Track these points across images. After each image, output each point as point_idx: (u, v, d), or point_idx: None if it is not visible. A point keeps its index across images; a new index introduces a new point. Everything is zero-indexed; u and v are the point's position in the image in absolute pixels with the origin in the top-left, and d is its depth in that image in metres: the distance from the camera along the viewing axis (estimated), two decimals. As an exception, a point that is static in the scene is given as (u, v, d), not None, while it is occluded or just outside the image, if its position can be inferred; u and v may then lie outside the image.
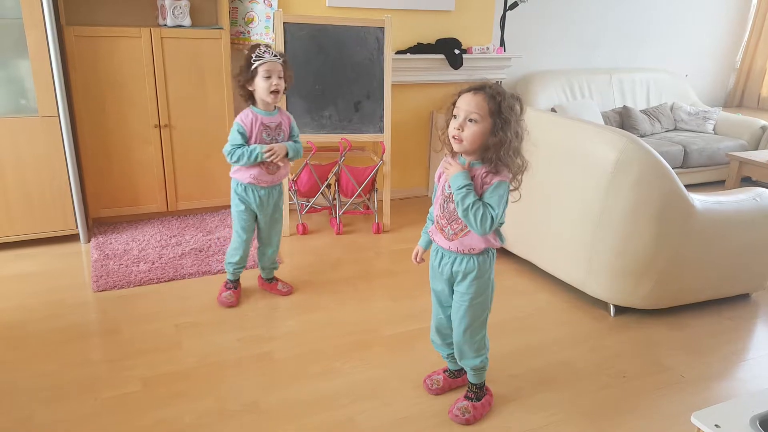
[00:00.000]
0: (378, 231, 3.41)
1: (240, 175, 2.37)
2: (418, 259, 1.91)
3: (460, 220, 1.67)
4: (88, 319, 2.40)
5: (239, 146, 2.29)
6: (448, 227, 1.72)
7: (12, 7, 2.67)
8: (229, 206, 3.51)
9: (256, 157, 2.28)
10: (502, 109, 1.59)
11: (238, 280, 2.56)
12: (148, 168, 3.27)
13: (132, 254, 2.93)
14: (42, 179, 2.90)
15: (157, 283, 2.69)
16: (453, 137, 1.62)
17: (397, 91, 3.62)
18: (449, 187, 1.65)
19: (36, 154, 2.84)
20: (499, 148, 1.59)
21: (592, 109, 4.42)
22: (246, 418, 1.84)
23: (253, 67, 2.22)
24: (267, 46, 2.28)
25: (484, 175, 1.63)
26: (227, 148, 2.31)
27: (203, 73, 3.24)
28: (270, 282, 2.64)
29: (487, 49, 3.93)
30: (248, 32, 3.37)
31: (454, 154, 1.68)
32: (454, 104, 1.64)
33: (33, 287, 2.60)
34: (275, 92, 2.26)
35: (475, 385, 1.90)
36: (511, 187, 1.67)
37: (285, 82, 2.30)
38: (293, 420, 1.84)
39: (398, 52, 3.67)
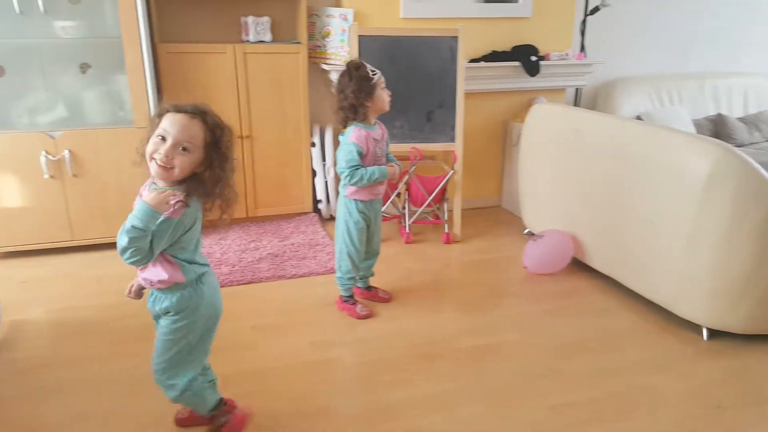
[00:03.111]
0: (448, 241, 3.40)
1: (361, 195, 2.41)
2: (132, 295, 1.65)
3: None
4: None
5: (356, 167, 2.32)
6: None
7: (113, 27, 2.90)
8: (303, 213, 3.71)
9: (377, 179, 2.34)
10: (221, 145, 1.47)
11: (353, 294, 2.61)
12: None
13: (215, 257, 3.08)
14: (136, 186, 3.10)
15: (237, 285, 2.82)
16: (159, 164, 1.40)
17: (470, 100, 3.60)
18: None
19: (132, 162, 3.05)
20: (215, 185, 1.47)
21: (682, 117, 4.17)
22: (317, 421, 1.88)
23: (373, 81, 2.30)
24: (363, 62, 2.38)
25: (176, 207, 1.42)
26: (344, 169, 2.33)
27: (282, 86, 3.37)
28: (369, 290, 2.69)
29: (567, 55, 3.83)
30: (324, 46, 3.47)
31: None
32: (157, 120, 1.44)
33: (121, 288, 2.78)
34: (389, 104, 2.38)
35: (203, 416, 1.76)
36: (224, 218, 1.55)
37: None
38: (363, 427, 1.86)
39: (472, 61, 3.65)
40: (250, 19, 3.28)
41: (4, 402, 1.95)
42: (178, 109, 1.44)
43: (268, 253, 3.14)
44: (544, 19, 3.84)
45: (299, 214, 3.67)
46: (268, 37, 3.34)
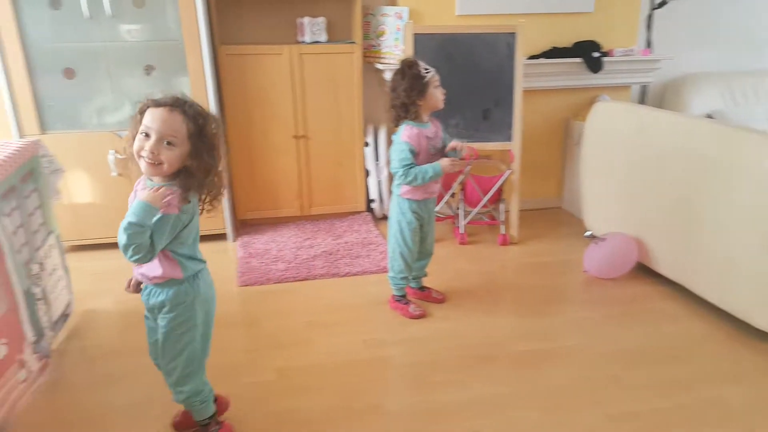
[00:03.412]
0: (504, 243, 3.32)
1: (414, 194, 2.38)
2: (131, 289, 1.67)
3: None
4: (233, 310, 2.61)
5: (410, 166, 2.30)
6: None
7: (175, 30, 3.00)
8: (356, 212, 3.73)
9: (431, 177, 2.31)
10: (204, 133, 1.44)
11: (406, 294, 2.59)
12: (286, 175, 3.49)
13: (271, 254, 3.14)
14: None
15: (292, 281, 2.86)
16: (147, 161, 1.40)
17: (528, 98, 3.51)
18: None
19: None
20: (205, 175, 1.46)
21: (758, 116, 3.91)
22: (369, 418, 1.88)
23: (425, 79, 2.27)
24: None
25: (172, 203, 1.44)
26: (398, 169, 2.31)
27: (337, 86, 3.39)
28: (422, 290, 2.66)
29: (632, 51, 3.68)
30: (379, 45, 3.47)
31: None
32: (139, 116, 1.42)
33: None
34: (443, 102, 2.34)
35: (198, 421, 1.74)
36: (209, 209, 1.58)
37: None
38: (414, 427, 1.84)
39: (531, 57, 3.56)
40: (306, 19, 3.32)
41: (74, 387, 2.05)
42: (157, 104, 1.42)
43: (323, 251, 3.17)
44: (608, 13, 3.70)
45: (353, 213, 3.69)
46: (323, 37, 3.37)
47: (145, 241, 1.41)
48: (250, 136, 3.38)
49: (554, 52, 3.63)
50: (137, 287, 1.65)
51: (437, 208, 3.40)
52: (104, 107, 3.07)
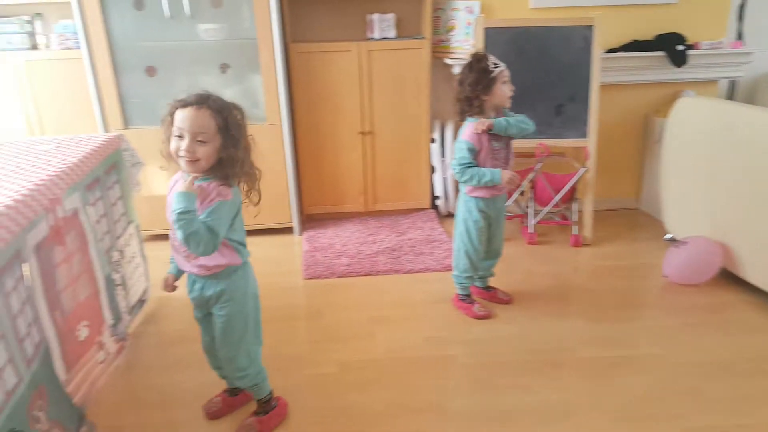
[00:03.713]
0: (577, 244, 3.19)
1: (482, 192, 2.32)
2: (168, 288, 1.73)
3: None
4: (297, 303, 2.66)
5: (469, 165, 2.26)
6: (182, 249, 1.60)
7: (249, 29, 3.08)
8: (421, 209, 3.70)
9: (486, 182, 2.25)
10: (229, 125, 1.49)
11: (470, 293, 2.54)
12: (352, 171, 3.51)
13: (335, 248, 3.17)
14: (267, 178, 3.25)
15: (355, 276, 2.87)
16: (186, 159, 1.47)
17: (605, 93, 3.34)
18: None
19: (263, 156, 3.22)
20: (233, 165, 1.51)
21: None
22: (430, 417, 1.85)
23: (493, 74, 2.21)
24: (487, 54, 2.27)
25: (212, 193, 1.51)
26: (455, 167, 2.29)
27: (404, 82, 3.37)
28: (488, 290, 2.60)
29: (720, 43, 3.43)
30: (449, 40, 3.42)
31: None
32: (170, 117, 1.48)
33: (255, 270, 2.96)
34: (510, 97, 2.27)
35: (259, 400, 1.82)
36: (246, 200, 1.61)
37: None
38: (475, 428, 1.79)
39: (608, 51, 3.40)
40: (376, 16, 3.33)
41: (148, 370, 2.15)
42: (184, 104, 1.48)
43: (386, 247, 3.16)
44: (693, 4, 3.47)
45: (417, 210, 3.66)
46: (392, 33, 3.36)
47: (200, 229, 1.46)
48: (317, 132, 3.43)
49: (634, 46, 3.45)
50: (173, 285, 1.73)
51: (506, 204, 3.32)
52: (182, 104, 3.20)
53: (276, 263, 3.04)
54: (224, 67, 3.18)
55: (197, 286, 1.66)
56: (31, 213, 1.56)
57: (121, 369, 2.14)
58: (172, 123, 1.48)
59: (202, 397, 1.95)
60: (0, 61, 3.12)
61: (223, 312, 1.66)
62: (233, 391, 1.92)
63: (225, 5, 3.05)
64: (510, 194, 3.26)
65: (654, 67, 3.43)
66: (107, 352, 2.06)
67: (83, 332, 1.88)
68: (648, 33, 3.48)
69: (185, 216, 1.44)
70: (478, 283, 2.60)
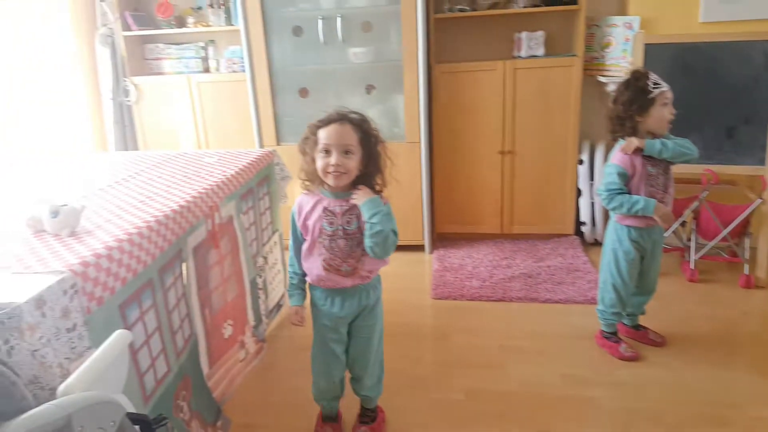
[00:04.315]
0: (748, 285, 2.78)
1: (633, 221, 2.14)
2: (300, 321, 1.73)
3: (355, 253, 1.59)
4: (424, 322, 2.63)
5: (619, 191, 2.09)
6: (344, 265, 1.60)
7: (395, 51, 3.16)
8: (563, 235, 3.49)
9: (638, 211, 2.06)
10: (369, 137, 1.56)
11: (617, 331, 2.34)
12: (489, 191, 3.43)
13: (466, 269, 3.09)
14: (401, 195, 3.33)
15: (486, 300, 2.77)
16: (333, 173, 1.53)
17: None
18: (347, 223, 1.57)
19: (400, 174, 3.29)
20: (375, 174, 1.58)
21: None
22: (562, 462, 1.70)
23: (651, 95, 2.04)
24: (650, 73, 2.08)
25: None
26: (602, 192, 2.14)
27: (550, 101, 3.23)
28: (637, 330, 2.37)
29: None
30: (603, 57, 3.22)
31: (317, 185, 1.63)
32: (314, 137, 1.56)
33: (384, 285, 2.99)
34: (670, 122, 2.06)
35: (373, 408, 1.86)
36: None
37: None
38: (617, 482, 1.61)
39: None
40: (524, 34, 3.24)
41: (282, 373, 2.25)
42: (328, 122, 1.56)
43: (521, 273, 3.01)
44: None
45: (558, 236, 3.46)
46: (540, 51, 3.25)
47: (389, 231, 1.56)
48: (454, 150, 3.40)
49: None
50: (303, 316, 1.75)
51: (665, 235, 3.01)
52: (329, 123, 3.37)
53: (405, 280, 3.05)
54: (369, 88, 3.30)
55: (354, 299, 1.67)
56: (193, 218, 1.72)
57: (257, 369, 2.25)
58: (316, 143, 1.56)
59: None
60: (178, 83, 3.54)
61: (373, 321, 1.72)
62: (334, 417, 1.90)
63: (375, 30, 3.17)
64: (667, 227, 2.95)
65: None
66: (247, 351, 2.19)
67: (228, 330, 2.02)
68: None
69: (382, 217, 1.54)
70: (626, 321, 2.37)
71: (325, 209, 1.59)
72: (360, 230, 1.58)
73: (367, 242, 1.55)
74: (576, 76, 3.17)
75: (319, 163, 1.56)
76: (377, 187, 1.62)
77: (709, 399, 1.96)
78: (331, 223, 1.58)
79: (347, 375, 1.82)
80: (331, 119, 1.56)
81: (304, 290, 1.74)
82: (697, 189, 2.87)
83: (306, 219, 1.62)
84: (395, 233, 1.57)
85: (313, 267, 1.63)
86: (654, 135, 2.09)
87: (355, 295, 1.66)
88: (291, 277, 1.74)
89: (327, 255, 1.60)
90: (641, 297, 2.30)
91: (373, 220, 1.53)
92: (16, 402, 0.83)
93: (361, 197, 1.56)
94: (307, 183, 1.64)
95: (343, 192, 1.60)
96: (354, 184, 1.59)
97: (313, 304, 1.72)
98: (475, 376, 2.16)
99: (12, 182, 2.15)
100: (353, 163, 1.55)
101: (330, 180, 1.56)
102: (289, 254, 1.73)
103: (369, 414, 1.87)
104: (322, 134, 1.55)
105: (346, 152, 1.53)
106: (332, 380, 1.77)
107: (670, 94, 2.04)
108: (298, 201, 1.68)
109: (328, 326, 1.69)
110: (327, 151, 1.54)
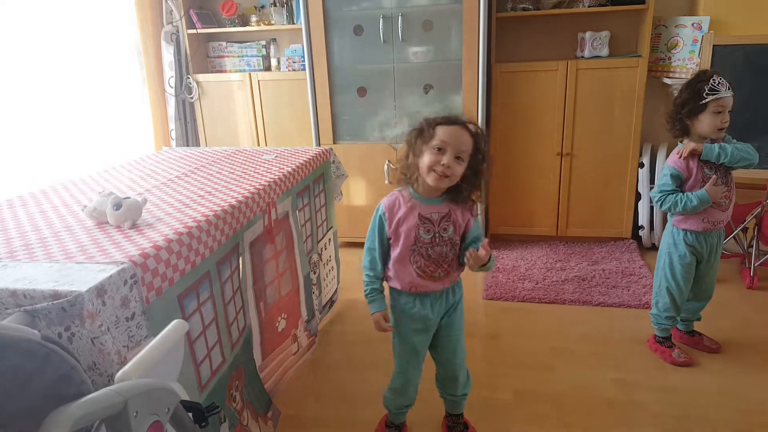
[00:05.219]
0: (816, 296, 2.64)
1: (690, 224, 2.09)
2: (387, 327, 1.65)
3: (449, 258, 1.57)
4: (475, 320, 2.63)
5: (670, 192, 2.05)
6: (438, 270, 1.58)
7: (456, 51, 3.16)
8: (619, 238, 3.40)
9: (694, 208, 2.01)
10: (481, 148, 1.51)
11: (670, 336, 2.29)
12: (545, 193, 3.38)
13: (519, 271, 3.07)
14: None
15: (538, 302, 2.75)
16: (440, 173, 1.47)
17: None
18: (444, 230, 1.55)
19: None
20: (478, 184, 1.54)
21: None
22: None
23: (704, 101, 1.96)
24: (719, 76, 1.97)
25: (464, 210, 1.58)
26: (655, 194, 2.11)
27: (613, 102, 3.15)
28: (692, 336, 2.31)
29: None
30: (669, 58, 3.11)
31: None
32: (431, 131, 1.49)
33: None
34: (722, 130, 1.97)
35: (462, 413, 1.85)
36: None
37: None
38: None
39: None
40: (588, 34, 3.17)
41: (333, 367, 2.32)
42: (450, 122, 1.50)
43: (575, 276, 2.97)
44: None
45: (615, 239, 3.38)
46: (604, 51, 3.17)
47: None
48: (511, 151, 3.37)
49: None
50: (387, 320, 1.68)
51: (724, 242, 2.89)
52: (385, 122, 3.41)
53: (457, 279, 3.05)
54: (427, 88, 3.31)
55: (439, 301, 1.64)
56: (250, 213, 1.80)
57: (308, 363, 2.33)
58: (431, 138, 1.49)
59: (379, 398, 2.02)
60: (240, 80, 3.68)
61: (459, 317, 1.70)
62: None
63: (435, 29, 3.17)
64: (729, 231, 2.83)
65: None
66: (299, 345, 2.27)
67: (281, 324, 2.10)
68: None
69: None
70: (680, 326, 2.30)
71: (421, 216, 1.54)
72: (455, 236, 1.56)
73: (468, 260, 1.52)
74: (640, 78, 3.08)
75: (427, 159, 1.49)
76: (470, 201, 1.57)
77: (763, 408, 1.89)
78: (428, 231, 1.54)
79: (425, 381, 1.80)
80: (454, 120, 1.51)
81: (384, 295, 1.67)
82: (761, 194, 2.73)
83: (399, 225, 1.56)
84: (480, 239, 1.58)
85: (405, 274, 1.58)
86: (710, 139, 2.02)
87: (443, 296, 1.64)
88: (371, 282, 1.65)
89: (423, 262, 1.56)
90: (697, 303, 2.24)
91: (489, 265, 1.52)
92: (75, 386, 0.85)
93: (486, 256, 1.49)
94: (401, 176, 1.57)
95: (435, 198, 1.56)
96: (449, 192, 1.55)
97: (399, 310, 1.66)
98: (524, 376, 2.16)
99: (76, 175, 2.22)
100: (460, 170, 1.49)
101: (431, 179, 1.49)
102: (366, 257, 1.66)
103: (460, 422, 1.84)
104: (441, 132, 1.48)
105: (458, 158, 1.47)
106: (415, 385, 1.75)
107: (727, 102, 1.94)
108: (387, 205, 1.60)
109: (419, 329, 1.65)
110: (441, 150, 1.47)
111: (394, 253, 1.59)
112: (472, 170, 1.51)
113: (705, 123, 1.97)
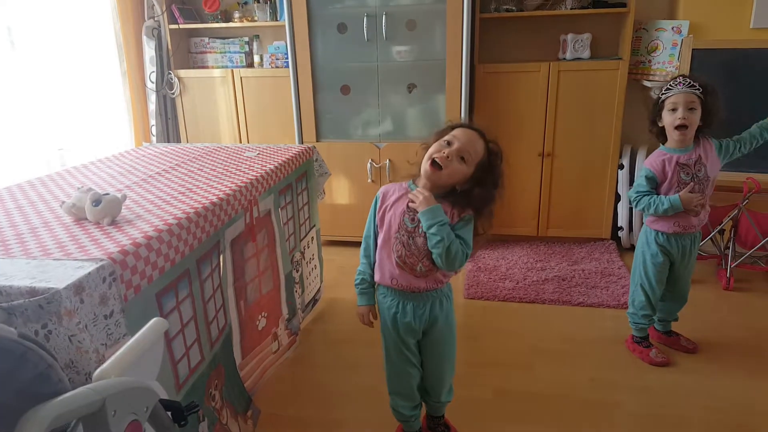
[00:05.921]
0: (788, 296, 2.70)
1: (661, 226, 2.13)
2: (369, 321, 1.66)
3: (429, 254, 1.50)
4: (455, 319, 2.63)
5: (645, 193, 2.10)
6: (420, 264, 1.53)
7: (440, 51, 3.17)
8: (599, 239, 3.44)
9: (665, 211, 2.04)
10: (494, 169, 1.50)
11: (648, 336, 2.32)
12: (525, 193, 3.41)
13: (500, 271, 3.10)
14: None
15: (518, 302, 2.77)
16: (435, 160, 1.46)
17: None
18: (414, 220, 1.50)
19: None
20: (483, 203, 1.50)
21: None
22: (585, 466, 1.71)
23: (660, 100, 2.03)
24: (684, 77, 2.02)
25: (452, 212, 1.51)
26: (631, 194, 2.16)
27: (594, 104, 3.19)
28: (669, 336, 2.35)
29: None
30: (649, 61, 3.16)
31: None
32: (449, 130, 1.52)
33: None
34: (681, 127, 2.00)
35: (443, 415, 1.84)
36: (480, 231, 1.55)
37: (707, 115, 2.01)
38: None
39: None
40: (570, 36, 3.20)
41: (314, 365, 2.31)
42: (470, 127, 1.53)
43: (555, 276, 3.00)
44: None
45: (594, 240, 3.43)
46: (585, 54, 3.21)
47: (455, 241, 1.47)
48: (494, 153, 3.39)
49: None
50: (373, 316, 1.68)
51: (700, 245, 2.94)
52: (368, 121, 3.41)
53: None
54: (411, 87, 3.31)
55: (425, 306, 1.59)
56: (232, 210, 1.79)
57: (289, 361, 2.33)
58: (446, 134, 1.51)
59: (361, 398, 2.04)
60: (222, 76, 3.64)
61: (448, 324, 1.65)
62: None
63: (419, 28, 3.18)
64: (705, 234, 2.88)
65: None
66: (280, 343, 2.27)
67: (262, 322, 2.09)
68: None
69: (439, 228, 1.45)
70: (657, 326, 2.35)
71: (410, 205, 1.53)
72: None
73: (432, 252, 1.48)
74: (621, 80, 3.12)
75: (433, 148, 1.50)
76: (476, 216, 1.53)
77: (739, 408, 1.94)
78: (413, 220, 1.51)
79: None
80: (474, 127, 1.53)
81: (374, 289, 1.65)
82: (738, 197, 2.79)
83: (386, 210, 1.56)
84: (465, 245, 1.48)
85: (386, 263, 1.56)
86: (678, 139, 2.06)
87: (427, 302, 1.59)
88: (363, 271, 1.64)
89: (403, 251, 1.52)
90: (673, 304, 2.28)
91: (432, 231, 1.45)
92: (52, 384, 0.84)
93: (421, 203, 1.47)
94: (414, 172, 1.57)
95: (433, 193, 1.52)
96: (447, 196, 1.51)
97: (383, 313, 1.63)
98: (504, 375, 2.18)
99: (55, 171, 2.19)
100: (458, 170, 1.47)
101: (423, 167, 1.49)
102: (363, 244, 1.65)
103: (441, 423, 1.83)
104: (457, 130, 1.51)
105: (463, 158, 1.46)
106: (415, 380, 1.70)
107: (680, 98, 1.97)
108: (383, 190, 1.62)
109: (399, 336, 1.62)
110: (449, 143, 1.48)
111: (380, 239, 1.59)
112: (476, 183, 1.48)
113: (665, 121, 2.03)
